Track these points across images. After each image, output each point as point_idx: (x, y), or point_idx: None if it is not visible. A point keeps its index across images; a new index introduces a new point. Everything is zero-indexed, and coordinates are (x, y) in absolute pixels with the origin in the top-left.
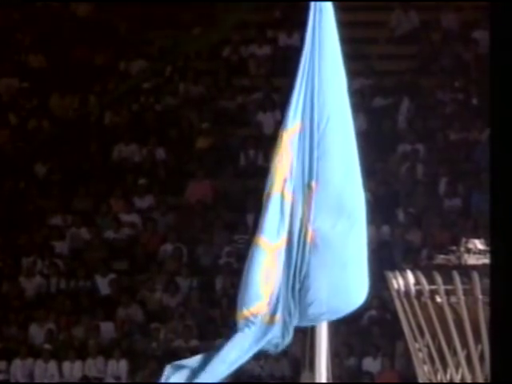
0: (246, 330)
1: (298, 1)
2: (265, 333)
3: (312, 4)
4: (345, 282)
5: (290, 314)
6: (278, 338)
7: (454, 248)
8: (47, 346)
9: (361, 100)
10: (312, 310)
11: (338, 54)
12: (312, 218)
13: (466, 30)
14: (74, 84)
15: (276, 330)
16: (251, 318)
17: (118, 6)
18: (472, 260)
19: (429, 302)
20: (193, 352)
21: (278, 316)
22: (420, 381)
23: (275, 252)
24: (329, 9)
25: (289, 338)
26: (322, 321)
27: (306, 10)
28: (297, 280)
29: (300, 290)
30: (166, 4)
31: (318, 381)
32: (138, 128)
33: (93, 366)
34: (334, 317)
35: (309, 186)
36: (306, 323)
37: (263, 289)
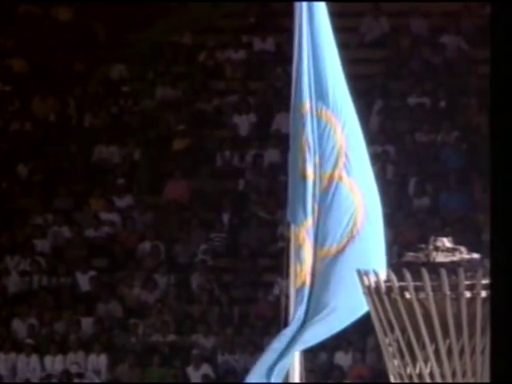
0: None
1: (286, 1)
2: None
3: (304, 4)
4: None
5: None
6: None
7: (423, 246)
8: (29, 341)
9: None
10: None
11: (334, 49)
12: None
13: (435, 34)
14: (56, 87)
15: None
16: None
17: (97, 12)
18: (440, 257)
19: (398, 298)
20: (170, 346)
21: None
22: (390, 374)
23: (305, 229)
24: (322, 8)
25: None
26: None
27: (280, 15)
28: None
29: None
30: (144, 8)
31: (291, 374)
32: (118, 130)
33: (74, 360)
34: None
35: (315, 164)
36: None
37: (297, 267)
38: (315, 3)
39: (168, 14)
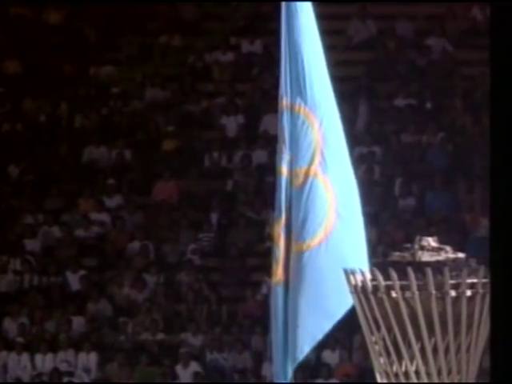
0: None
1: (274, 0)
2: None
3: (284, 3)
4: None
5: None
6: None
7: (409, 245)
8: (20, 340)
9: None
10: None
11: (318, 48)
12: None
13: (420, 37)
14: (46, 89)
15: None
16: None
17: (87, 14)
18: (426, 257)
19: (385, 297)
20: (159, 345)
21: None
22: (376, 372)
23: (281, 227)
24: (307, 8)
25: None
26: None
27: (268, 18)
28: None
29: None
30: (133, 12)
31: None
32: (107, 131)
33: (64, 359)
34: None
35: (288, 161)
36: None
37: (274, 265)
38: (299, 3)
39: (157, 16)
